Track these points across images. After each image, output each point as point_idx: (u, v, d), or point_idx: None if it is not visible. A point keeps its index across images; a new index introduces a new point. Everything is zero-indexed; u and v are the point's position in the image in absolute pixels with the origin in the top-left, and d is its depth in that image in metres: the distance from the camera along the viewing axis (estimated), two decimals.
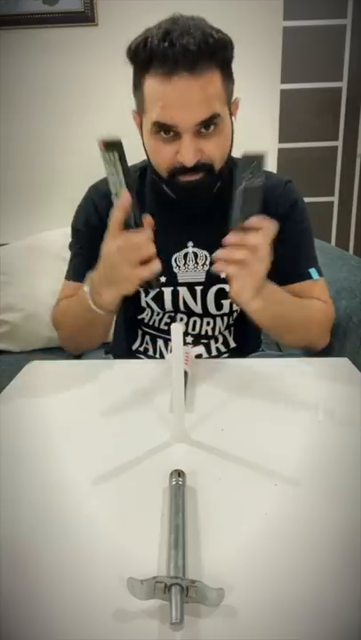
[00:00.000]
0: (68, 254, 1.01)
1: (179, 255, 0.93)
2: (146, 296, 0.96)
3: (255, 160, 0.67)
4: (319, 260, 0.97)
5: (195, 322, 0.98)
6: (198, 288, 0.94)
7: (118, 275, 0.74)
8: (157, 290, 0.94)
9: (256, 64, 1.74)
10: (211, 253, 0.93)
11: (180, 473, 0.53)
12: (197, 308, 0.96)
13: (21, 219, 1.83)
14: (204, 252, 0.93)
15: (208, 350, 0.99)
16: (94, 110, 1.74)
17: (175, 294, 0.94)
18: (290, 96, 1.95)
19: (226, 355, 1.01)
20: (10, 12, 1.67)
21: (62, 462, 0.60)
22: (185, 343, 0.94)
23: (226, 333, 1.01)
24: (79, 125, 1.77)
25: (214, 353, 1.00)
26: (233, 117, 0.84)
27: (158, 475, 0.54)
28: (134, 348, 1.04)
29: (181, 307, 0.96)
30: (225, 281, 0.93)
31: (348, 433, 0.63)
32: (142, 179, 0.96)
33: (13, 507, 0.51)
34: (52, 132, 1.78)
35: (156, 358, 1.01)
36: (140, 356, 1.03)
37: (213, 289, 0.94)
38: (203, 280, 0.94)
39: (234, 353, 1.01)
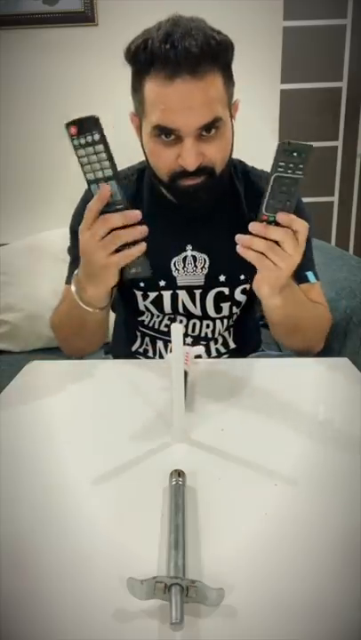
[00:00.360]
0: (68, 255, 1.00)
1: (178, 259, 0.92)
2: (144, 300, 0.95)
3: (298, 150, 0.63)
4: (319, 259, 0.97)
5: (194, 324, 0.97)
6: (197, 291, 0.94)
7: (95, 265, 0.72)
8: (157, 293, 0.93)
9: (256, 64, 1.74)
10: (210, 257, 0.92)
11: (180, 473, 0.53)
12: (197, 311, 0.95)
13: (21, 219, 1.83)
14: (203, 256, 0.92)
15: (208, 351, 0.99)
16: (94, 110, 1.72)
17: (174, 297, 0.94)
18: (290, 96, 1.95)
19: (226, 356, 1.01)
20: (10, 12, 1.67)
21: (62, 462, 0.60)
22: (184, 344, 0.94)
23: (225, 334, 1.00)
24: None
25: (214, 354, 1.00)
26: (233, 119, 0.84)
27: (158, 475, 0.54)
28: (134, 349, 1.03)
29: (181, 310, 0.95)
30: (224, 284, 0.94)
31: (348, 433, 0.63)
32: (140, 181, 0.95)
33: (13, 507, 0.51)
34: (52, 131, 1.77)
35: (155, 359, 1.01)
36: (140, 357, 1.03)
37: (212, 292, 0.94)
38: (202, 284, 0.93)
39: (234, 354, 1.01)
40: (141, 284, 0.94)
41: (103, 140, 0.66)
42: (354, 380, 0.77)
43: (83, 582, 0.42)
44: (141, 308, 0.97)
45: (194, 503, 0.51)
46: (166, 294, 0.94)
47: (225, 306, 0.95)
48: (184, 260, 0.93)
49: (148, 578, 0.38)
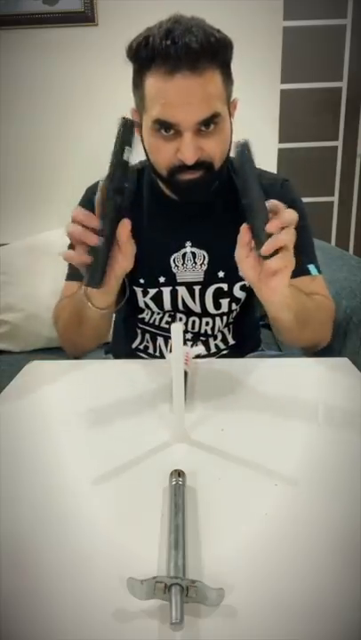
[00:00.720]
0: None
1: (177, 255, 0.93)
2: (144, 296, 0.96)
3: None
4: (319, 259, 0.97)
5: (193, 321, 0.98)
6: (197, 288, 0.94)
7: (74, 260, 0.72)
8: (157, 290, 0.94)
9: (256, 64, 1.74)
10: (209, 253, 0.93)
11: (180, 473, 0.53)
12: (196, 308, 0.96)
13: (21, 219, 1.83)
14: (203, 252, 0.93)
15: (207, 348, 1.00)
16: (94, 110, 1.74)
17: (174, 294, 0.95)
18: (290, 96, 1.95)
19: (225, 352, 1.01)
20: (10, 12, 1.67)
21: (62, 462, 0.60)
22: (184, 342, 0.94)
23: (225, 331, 1.01)
24: (79, 125, 1.77)
25: (213, 350, 1.00)
26: (232, 118, 0.84)
27: (158, 475, 0.54)
28: (134, 346, 1.04)
29: (180, 306, 0.96)
30: (223, 280, 0.94)
31: (348, 433, 0.63)
32: (140, 180, 0.96)
33: (13, 506, 0.51)
34: (53, 131, 1.78)
35: (156, 356, 1.02)
36: (140, 354, 1.03)
37: (211, 288, 0.94)
38: (201, 280, 0.94)
39: (233, 350, 1.01)
40: (141, 281, 0.94)
41: (118, 137, 0.70)
42: (354, 379, 0.77)
43: (83, 582, 0.42)
44: (141, 304, 0.97)
45: (194, 503, 0.51)
46: (166, 290, 0.94)
47: (224, 302, 0.96)
48: (183, 256, 0.93)
49: (148, 578, 0.38)
